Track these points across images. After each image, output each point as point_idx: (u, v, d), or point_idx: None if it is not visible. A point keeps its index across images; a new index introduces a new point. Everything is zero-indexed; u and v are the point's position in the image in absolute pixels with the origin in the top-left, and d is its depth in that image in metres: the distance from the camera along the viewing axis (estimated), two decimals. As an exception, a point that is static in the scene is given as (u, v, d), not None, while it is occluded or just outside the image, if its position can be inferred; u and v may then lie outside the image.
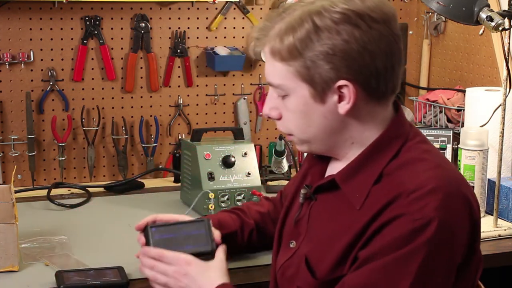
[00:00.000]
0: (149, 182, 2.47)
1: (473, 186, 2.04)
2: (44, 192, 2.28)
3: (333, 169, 1.44)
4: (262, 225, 1.74)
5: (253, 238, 1.73)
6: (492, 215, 2.03)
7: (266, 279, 1.56)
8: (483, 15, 1.92)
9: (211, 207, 2.07)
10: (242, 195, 2.12)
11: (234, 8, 2.61)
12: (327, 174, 1.46)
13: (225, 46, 2.59)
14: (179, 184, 2.36)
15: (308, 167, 1.54)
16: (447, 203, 1.27)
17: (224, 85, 2.64)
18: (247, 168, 2.16)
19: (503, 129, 2.00)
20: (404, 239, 1.25)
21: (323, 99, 1.34)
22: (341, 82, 1.31)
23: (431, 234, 1.24)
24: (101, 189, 2.39)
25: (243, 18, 2.62)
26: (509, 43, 1.97)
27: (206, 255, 1.51)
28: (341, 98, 1.33)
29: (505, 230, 2.01)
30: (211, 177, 2.10)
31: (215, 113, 2.65)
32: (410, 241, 1.25)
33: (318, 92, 1.33)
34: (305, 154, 1.96)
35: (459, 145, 2.10)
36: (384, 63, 1.32)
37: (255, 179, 2.15)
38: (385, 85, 1.34)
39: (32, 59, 2.41)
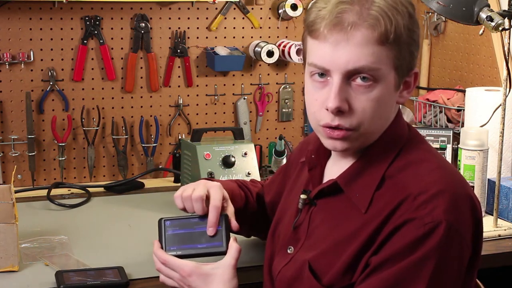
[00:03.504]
0: (149, 182, 2.47)
1: (473, 186, 2.04)
2: (44, 192, 2.28)
3: (332, 172, 1.43)
4: (259, 208, 1.73)
5: (252, 218, 1.72)
6: (492, 215, 2.03)
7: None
8: (483, 15, 1.92)
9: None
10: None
11: (234, 8, 2.61)
12: (325, 179, 1.45)
13: (225, 46, 2.59)
14: (179, 184, 2.36)
15: (299, 172, 1.53)
16: (454, 205, 1.27)
17: (224, 85, 2.64)
18: (247, 168, 2.16)
19: (503, 129, 2.00)
20: (415, 245, 1.24)
21: (398, 87, 1.34)
22: (416, 70, 1.36)
23: (440, 237, 1.24)
24: (101, 189, 2.39)
25: (243, 18, 2.62)
26: (509, 43, 1.97)
27: (219, 255, 1.49)
28: (405, 87, 1.35)
29: (505, 230, 2.01)
30: (211, 177, 2.10)
31: (215, 113, 2.65)
32: (420, 246, 1.24)
33: (399, 79, 1.33)
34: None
35: (459, 145, 2.10)
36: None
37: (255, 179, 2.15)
38: None
39: (32, 59, 2.41)
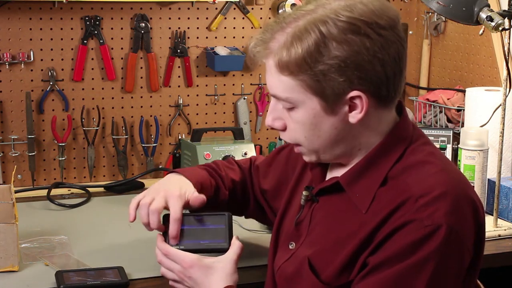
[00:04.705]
0: (149, 182, 2.46)
1: (473, 186, 2.04)
2: (44, 192, 2.28)
3: (335, 170, 1.43)
4: (232, 195, 1.72)
5: (222, 205, 1.71)
6: (492, 215, 2.03)
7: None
8: (483, 15, 1.92)
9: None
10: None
11: (234, 8, 2.61)
12: (328, 176, 1.45)
13: (225, 46, 2.59)
14: (179, 184, 2.36)
15: (305, 167, 1.53)
16: (456, 208, 1.26)
17: (224, 85, 2.64)
18: (247, 168, 2.15)
19: (503, 129, 2.00)
20: (414, 246, 1.24)
21: (334, 110, 1.31)
22: (354, 93, 1.29)
23: (440, 241, 1.23)
24: (101, 189, 2.39)
25: (243, 18, 2.62)
26: (509, 43, 1.97)
27: (221, 252, 1.50)
28: (352, 108, 1.31)
29: (505, 230, 2.01)
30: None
31: (215, 113, 2.65)
32: (420, 249, 1.24)
33: (329, 104, 1.30)
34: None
35: (459, 145, 2.10)
36: (393, 69, 1.31)
37: (255, 179, 2.14)
38: (394, 91, 1.33)
39: (32, 59, 2.41)
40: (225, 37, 2.61)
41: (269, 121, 1.39)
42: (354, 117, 1.32)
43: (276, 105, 1.38)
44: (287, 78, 1.31)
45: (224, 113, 2.66)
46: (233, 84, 2.65)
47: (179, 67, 2.58)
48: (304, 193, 1.45)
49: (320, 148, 1.37)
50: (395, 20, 1.31)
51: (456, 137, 2.27)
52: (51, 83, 2.44)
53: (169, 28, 2.55)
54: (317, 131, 1.34)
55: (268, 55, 1.33)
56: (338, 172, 1.40)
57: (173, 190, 1.56)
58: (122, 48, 2.51)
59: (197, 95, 2.61)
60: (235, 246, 1.49)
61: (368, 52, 1.27)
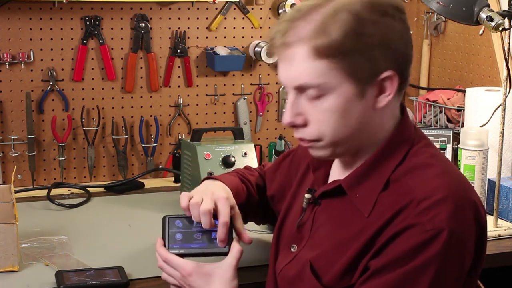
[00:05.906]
0: (149, 182, 2.47)
1: (473, 186, 2.04)
2: (44, 192, 2.28)
3: (337, 173, 1.43)
4: (258, 201, 1.72)
5: (252, 210, 1.71)
6: (492, 215, 2.03)
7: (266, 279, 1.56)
8: (483, 15, 1.92)
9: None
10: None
11: (234, 8, 2.61)
12: (331, 178, 1.45)
13: (225, 46, 2.59)
14: (179, 184, 2.36)
15: (307, 170, 1.53)
16: (457, 212, 1.26)
17: (224, 85, 2.64)
18: (247, 168, 2.15)
19: (503, 129, 2.00)
20: (416, 251, 1.24)
21: (364, 94, 1.30)
22: (387, 73, 1.29)
23: (441, 245, 1.23)
24: (101, 189, 2.39)
25: (243, 18, 2.62)
26: (509, 43, 1.97)
27: (221, 255, 1.48)
28: (381, 91, 1.31)
29: (505, 230, 2.01)
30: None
31: (215, 113, 2.65)
32: (421, 253, 1.24)
33: (360, 87, 1.29)
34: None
35: (459, 145, 2.10)
36: (411, 53, 1.34)
37: (255, 179, 2.14)
38: (409, 76, 1.35)
39: (32, 59, 2.41)
40: (225, 37, 2.61)
41: (289, 118, 1.33)
42: (383, 100, 1.31)
43: (296, 100, 1.33)
44: (321, 63, 1.28)
45: (224, 113, 2.66)
46: (233, 84, 2.65)
47: (179, 67, 2.58)
48: (306, 196, 1.44)
49: (343, 138, 1.33)
50: (403, 6, 1.35)
51: (456, 137, 2.27)
52: (51, 83, 2.44)
53: (169, 28, 2.55)
54: (345, 119, 1.31)
55: (294, 44, 1.30)
56: (341, 175, 1.40)
57: (221, 193, 1.54)
58: (122, 48, 2.51)
59: (197, 95, 2.61)
60: (234, 250, 1.47)
61: (397, 33, 1.30)
